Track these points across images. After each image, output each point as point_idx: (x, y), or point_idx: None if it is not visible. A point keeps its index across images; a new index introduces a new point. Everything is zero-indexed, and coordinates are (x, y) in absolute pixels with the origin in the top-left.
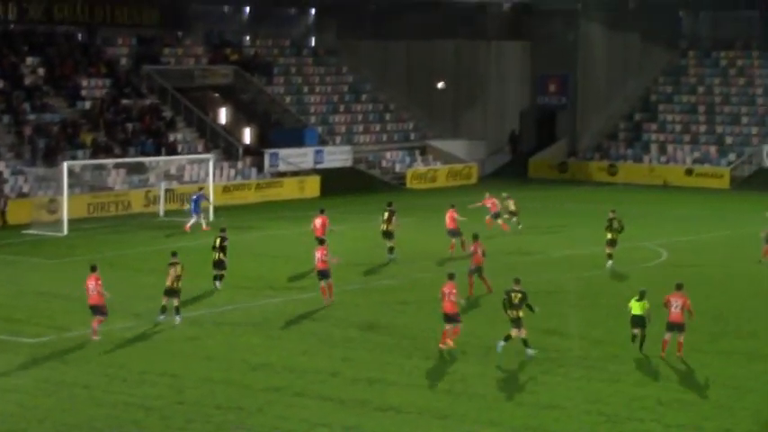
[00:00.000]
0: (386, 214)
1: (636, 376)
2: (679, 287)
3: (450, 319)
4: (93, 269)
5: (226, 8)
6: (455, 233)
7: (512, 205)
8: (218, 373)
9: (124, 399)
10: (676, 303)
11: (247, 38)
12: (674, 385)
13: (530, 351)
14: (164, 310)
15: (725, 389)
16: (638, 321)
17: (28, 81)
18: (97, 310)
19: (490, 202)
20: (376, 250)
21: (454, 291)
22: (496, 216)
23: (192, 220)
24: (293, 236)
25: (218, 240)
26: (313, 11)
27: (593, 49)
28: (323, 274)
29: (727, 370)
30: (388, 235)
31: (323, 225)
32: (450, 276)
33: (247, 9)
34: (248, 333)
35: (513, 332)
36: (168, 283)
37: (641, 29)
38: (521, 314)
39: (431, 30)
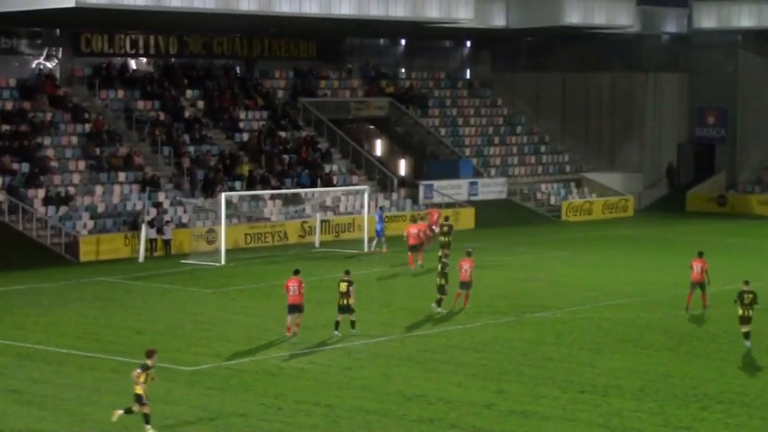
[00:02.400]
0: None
1: None
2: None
3: None
4: (297, 272)
5: (381, 41)
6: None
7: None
8: (373, 403)
9: (279, 427)
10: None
11: (402, 70)
12: None
13: (747, 343)
14: (336, 326)
15: None
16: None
17: (188, 113)
18: (295, 308)
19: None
20: (529, 283)
21: None
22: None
23: (383, 240)
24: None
25: (440, 266)
26: (468, 43)
27: (753, 81)
28: (465, 285)
29: None
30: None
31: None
32: None
33: (403, 42)
34: (403, 364)
35: (743, 329)
36: (347, 301)
37: None
38: (750, 313)
39: (586, 62)
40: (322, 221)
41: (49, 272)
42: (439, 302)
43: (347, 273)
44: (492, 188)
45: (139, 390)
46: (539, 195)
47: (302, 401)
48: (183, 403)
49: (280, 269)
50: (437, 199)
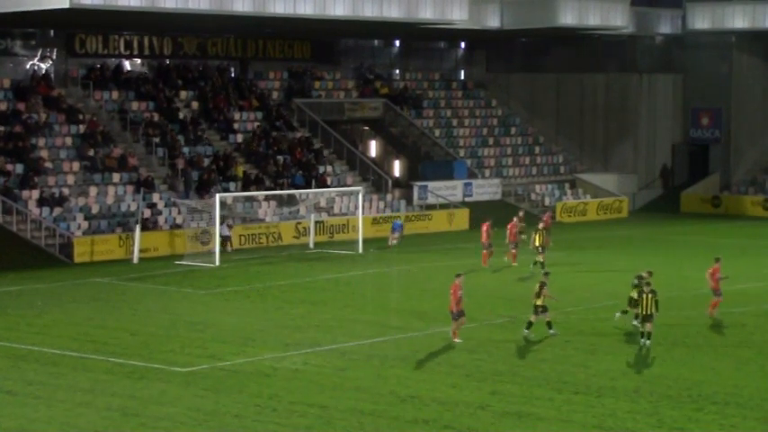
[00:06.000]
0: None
1: None
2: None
3: None
4: (458, 276)
5: (376, 42)
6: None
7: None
8: (367, 404)
9: (274, 428)
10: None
11: (397, 71)
12: None
13: (647, 342)
14: (529, 325)
15: None
16: None
17: (182, 115)
18: (454, 314)
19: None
20: (523, 283)
21: None
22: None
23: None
24: (442, 268)
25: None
26: (462, 44)
27: (748, 82)
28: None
29: None
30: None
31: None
32: None
33: (397, 43)
34: (397, 365)
35: (648, 326)
36: (537, 301)
37: None
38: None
39: (581, 63)
40: (316, 222)
41: (44, 273)
42: (625, 312)
43: (546, 274)
44: (486, 189)
45: None
46: (533, 196)
47: (296, 402)
48: (178, 404)
49: (274, 270)
50: (431, 200)
